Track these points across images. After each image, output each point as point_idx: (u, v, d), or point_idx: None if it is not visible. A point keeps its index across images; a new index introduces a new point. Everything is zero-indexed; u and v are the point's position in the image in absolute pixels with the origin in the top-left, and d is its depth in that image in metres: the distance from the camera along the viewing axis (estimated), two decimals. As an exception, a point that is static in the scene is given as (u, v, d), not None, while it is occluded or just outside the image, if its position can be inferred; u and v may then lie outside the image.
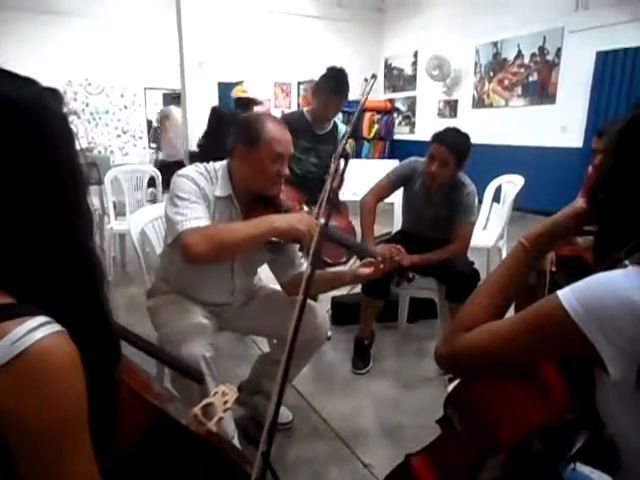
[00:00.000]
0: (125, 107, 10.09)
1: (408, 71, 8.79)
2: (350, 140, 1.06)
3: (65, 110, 0.62)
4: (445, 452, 0.88)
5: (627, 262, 0.68)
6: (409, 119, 8.90)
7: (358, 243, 1.87)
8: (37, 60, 8.25)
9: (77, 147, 0.62)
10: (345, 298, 2.94)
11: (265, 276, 1.94)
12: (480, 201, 3.13)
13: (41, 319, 0.52)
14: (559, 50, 6.25)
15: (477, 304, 0.86)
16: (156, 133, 5.53)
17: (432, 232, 2.43)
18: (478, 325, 0.79)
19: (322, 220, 0.95)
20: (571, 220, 0.86)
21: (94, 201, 3.98)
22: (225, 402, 0.93)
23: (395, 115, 9.06)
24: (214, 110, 4.27)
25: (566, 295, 0.67)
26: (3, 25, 8.35)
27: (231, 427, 1.58)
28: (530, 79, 6.69)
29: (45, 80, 0.60)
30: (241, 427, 1.76)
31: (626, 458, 0.73)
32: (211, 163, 1.63)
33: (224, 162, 1.64)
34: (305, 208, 1.77)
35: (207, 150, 3.77)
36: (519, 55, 6.79)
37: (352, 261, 1.82)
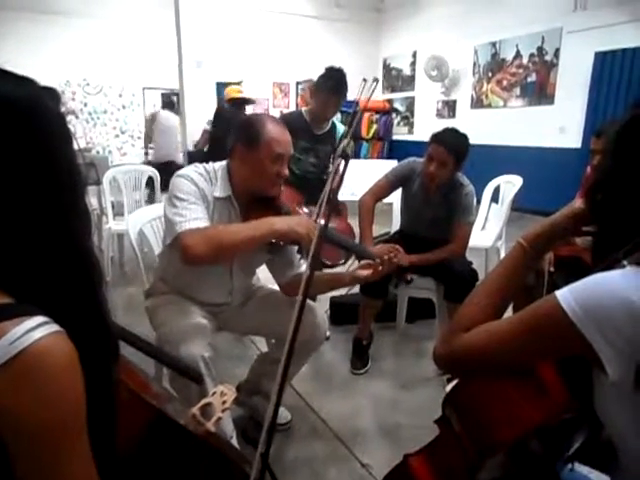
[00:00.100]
0: (123, 107, 10.07)
1: (407, 71, 8.80)
2: (351, 142, 1.06)
3: (63, 110, 0.62)
4: (443, 452, 0.88)
5: (625, 262, 0.69)
6: (408, 119, 8.91)
7: (357, 245, 1.87)
8: (35, 60, 8.24)
9: (75, 147, 0.62)
10: (344, 298, 2.94)
11: (263, 276, 1.94)
12: (478, 201, 3.14)
13: (39, 319, 0.51)
14: (557, 50, 6.27)
15: (475, 304, 0.86)
16: (146, 136, 5.55)
17: (430, 232, 2.43)
18: (476, 325, 0.79)
19: (322, 221, 0.95)
20: (569, 220, 0.86)
21: (92, 201, 3.98)
22: (224, 402, 0.93)
23: (394, 115, 9.07)
24: (219, 112, 4.26)
25: (564, 295, 0.67)
26: (2, 25, 8.33)
27: (230, 427, 1.58)
28: (528, 79, 6.70)
29: (43, 80, 0.60)
30: (240, 427, 1.76)
31: (624, 458, 0.73)
32: (210, 163, 1.63)
33: (224, 163, 1.64)
34: (304, 209, 1.77)
35: (216, 152, 3.71)
36: (517, 55, 6.80)
37: (350, 261, 1.82)
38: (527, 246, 0.86)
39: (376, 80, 1.42)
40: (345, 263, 2.14)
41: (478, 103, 7.52)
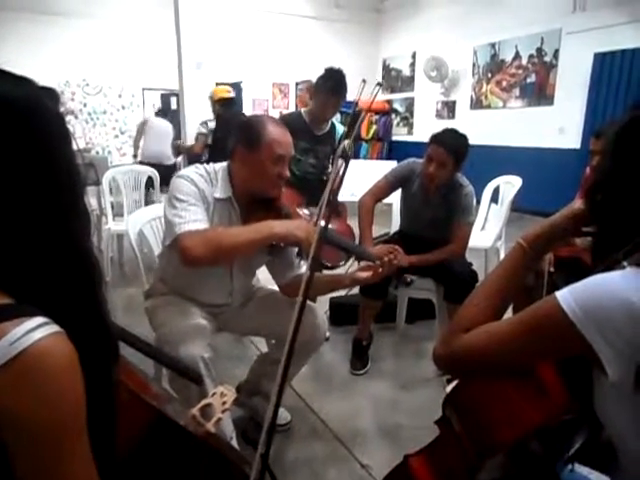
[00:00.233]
0: (123, 107, 10.07)
1: (406, 72, 8.81)
2: (351, 143, 1.07)
3: (62, 110, 0.61)
4: (443, 453, 0.88)
5: (625, 263, 0.69)
6: (407, 120, 8.91)
7: (357, 246, 1.87)
8: (35, 60, 8.24)
9: (74, 147, 0.62)
10: (343, 299, 2.94)
11: (263, 277, 1.94)
12: (478, 202, 3.14)
13: (39, 320, 0.51)
14: (557, 51, 6.28)
15: (475, 305, 0.86)
16: (135, 141, 5.69)
17: (430, 233, 2.43)
18: (476, 326, 0.79)
19: (322, 222, 0.95)
20: (569, 221, 0.86)
21: (92, 202, 3.98)
22: (223, 403, 0.93)
23: (393, 116, 9.08)
24: (218, 114, 4.23)
25: (564, 296, 0.67)
26: (2, 25, 8.34)
27: (229, 428, 1.58)
28: (528, 80, 6.71)
29: (43, 80, 0.60)
30: (239, 428, 1.75)
31: (624, 459, 0.73)
32: (211, 164, 1.63)
33: (224, 164, 1.64)
34: (305, 210, 1.77)
35: (218, 154, 3.69)
36: (517, 56, 6.81)
37: (350, 262, 1.82)
38: (527, 247, 0.86)
39: (379, 84, 1.42)
40: (345, 264, 2.15)
41: (477, 104, 7.52)
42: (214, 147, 4.03)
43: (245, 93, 7.61)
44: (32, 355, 0.49)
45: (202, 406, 0.90)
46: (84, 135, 9.57)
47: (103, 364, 0.62)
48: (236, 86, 7.35)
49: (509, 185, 3.52)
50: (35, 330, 0.50)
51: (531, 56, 6.61)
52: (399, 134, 9.04)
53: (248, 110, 7.64)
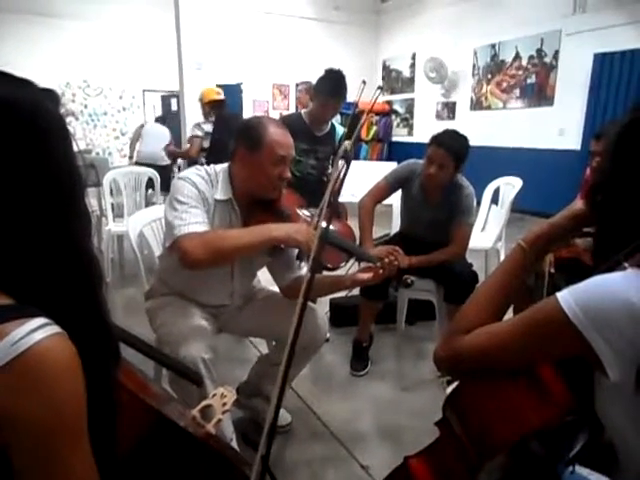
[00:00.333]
0: (124, 109, 10.09)
1: (406, 73, 8.81)
2: (349, 143, 1.07)
3: (62, 111, 0.62)
4: (444, 454, 0.88)
5: (626, 264, 0.69)
6: (407, 121, 8.92)
7: (358, 247, 1.87)
8: (36, 62, 8.27)
9: (75, 148, 0.62)
10: (344, 300, 2.94)
11: (263, 278, 1.94)
12: (478, 203, 3.14)
13: (40, 321, 0.51)
14: (557, 52, 6.28)
15: (476, 306, 0.86)
16: (131, 144, 5.85)
17: (430, 234, 2.43)
18: (477, 327, 0.79)
19: (324, 224, 0.95)
20: (570, 222, 0.86)
21: (92, 203, 3.98)
22: (224, 404, 0.93)
23: (393, 117, 9.08)
24: (220, 117, 4.21)
25: (565, 297, 0.67)
26: (3, 27, 8.36)
27: (229, 429, 1.58)
28: (528, 81, 6.72)
29: (44, 82, 0.60)
30: (239, 429, 1.75)
31: (625, 460, 0.73)
32: (212, 166, 1.63)
33: (225, 165, 1.64)
34: (305, 211, 1.77)
35: (217, 156, 3.65)
36: (517, 57, 6.82)
37: (350, 263, 1.82)
38: (527, 247, 0.86)
39: (380, 88, 1.43)
40: (345, 265, 2.14)
41: (478, 105, 7.53)
42: (211, 149, 4.01)
43: (245, 94, 7.62)
44: (33, 356, 0.49)
45: (202, 407, 0.90)
46: (85, 136, 9.59)
47: (104, 365, 0.62)
48: (236, 87, 7.37)
49: (509, 186, 3.52)
50: (36, 331, 0.50)
51: (531, 57, 6.62)
52: (399, 135, 9.04)
53: (248, 111, 7.65)
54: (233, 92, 7.26)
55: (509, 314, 0.86)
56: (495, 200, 3.66)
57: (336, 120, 2.84)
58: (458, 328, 0.82)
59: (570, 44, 6.10)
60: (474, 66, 7.49)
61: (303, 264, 1.71)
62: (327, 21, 8.38)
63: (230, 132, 3.60)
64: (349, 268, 1.82)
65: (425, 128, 8.03)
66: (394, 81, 9.06)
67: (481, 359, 0.78)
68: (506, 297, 0.87)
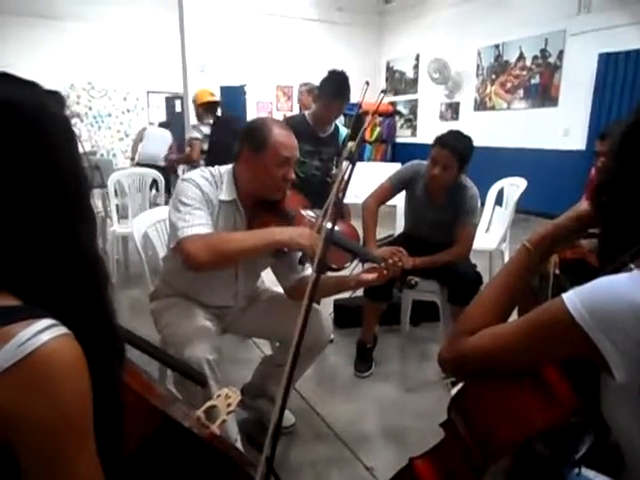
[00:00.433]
0: (128, 110, 10.13)
1: (410, 74, 8.81)
2: (353, 145, 1.08)
3: (67, 113, 0.62)
4: (449, 455, 0.88)
5: (632, 265, 0.68)
6: (411, 122, 8.91)
7: (362, 248, 1.87)
8: (39, 64, 8.31)
9: (80, 150, 0.63)
10: (348, 301, 2.94)
11: (267, 279, 1.94)
12: (482, 204, 3.13)
13: (47, 322, 0.52)
14: (561, 53, 6.26)
15: (480, 307, 0.86)
16: (133, 146, 5.95)
17: (434, 235, 2.43)
18: (481, 329, 0.79)
19: (328, 224, 0.95)
20: (575, 223, 0.85)
21: (97, 204, 4.00)
22: (228, 405, 0.93)
23: (397, 118, 9.08)
24: (219, 119, 4.21)
25: (571, 298, 0.67)
26: (8, 29, 8.41)
27: (234, 430, 1.58)
28: (532, 82, 6.70)
29: (48, 83, 0.60)
30: (244, 430, 1.76)
31: (631, 462, 0.73)
32: (216, 167, 1.64)
33: (229, 166, 1.64)
34: (310, 212, 1.77)
35: (216, 158, 3.62)
36: (521, 58, 6.81)
37: (354, 264, 1.82)
38: (532, 248, 0.86)
39: (383, 92, 1.44)
40: (350, 266, 2.14)
41: (482, 105, 7.51)
42: (211, 152, 4.00)
43: (249, 96, 7.64)
44: (40, 357, 0.50)
45: (207, 408, 0.90)
46: (89, 138, 9.63)
47: (110, 365, 0.62)
48: (240, 89, 7.38)
49: (514, 187, 3.51)
50: (43, 332, 0.50)
51: (535, 57, 6.60)
52: (403, 136, 9.04)
53: (252, 113, 7.67)
54: (236, 94, 7.29)
55: (514, 316, 0.86)
56: (499, 201, 3.65)
57: (340, 121, 2.84)
58: (463, 329, 0.82)
59: (575, 44, 6.08)
60: (478, 67, 7.48)
61: (307, 265, 1.71)
62: (330, 22, 8.39)
63: (232, 134, 3.58)
64: (353, 269, 1.82)
65: (429, 129, 8.03)
66: (397, 82, 9.05)
67: (486, 360, 0.77)
68: (511, 298, 0.86)
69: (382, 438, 1.96)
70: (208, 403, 0.92)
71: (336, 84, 2.54)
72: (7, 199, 0.53)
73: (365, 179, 3.15)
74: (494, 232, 3.47)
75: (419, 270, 2.13)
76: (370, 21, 8.88)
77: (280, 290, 1.85)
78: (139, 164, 5.37)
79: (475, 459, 0.79)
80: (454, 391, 0.85)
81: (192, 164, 4.15)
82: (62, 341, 0.52)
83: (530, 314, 0.73)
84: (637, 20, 5.41)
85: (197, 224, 1.46)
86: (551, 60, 6.40)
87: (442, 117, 8.17)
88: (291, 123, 2.43)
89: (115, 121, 10.04)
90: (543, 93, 6.57)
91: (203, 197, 1.53)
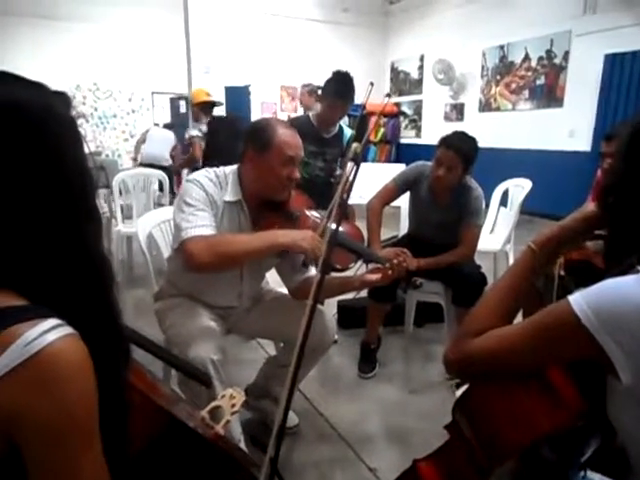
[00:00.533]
0: (133, 111, 10.16)
1: (414, 75, 8.80)
2: (358, 146, 1.09)
3: (74, 114, 0.62)
4: (453, 457, 0.87)
5: (639, 268, 0.68)
6: (415, 123, 8.90)
7: (367, 249, 1.87)
8: (47, 65, 8.35)
9: (86, 150, 0.63)
10: (351, 302, 2.93)
11: (272, 280, 1.94)
12: (487, 205, 3.12)
13: (53, 322, 0.52)
14: (567, 53, 6.24)
15: (485, 309, 0.85)
16: (136, 146, 6.11)
17: (439, 236, 2.42)
18: (487, 330, 0.79)
19: (333, 225, 0.95)
20: (581, 224, 0.85)
21: (102, 204, 4.01)
22: (232, 405, 0.93)
23: (401, 119, 9.07)
24: (219, 118, 4.22)
25: (577, 300, 0.67)
26: (14, 30, 8.46)
27: (238, 431, 1.58)
28: (537, 82, 6.68)
29: (54, 84, 0.61)
30: (247, 431, 1.76)
31: (637, 465, 0.72)
32: (221, 168, 1.64)
33: (234, 167, 1.65)
34: (315, 213, 1.77)
35: (214, 158, 3.63)
36: (526, 58, 6.78)
37: (358, 265, 1.82)
38: (537, 250, 0.86)
39: (388, 96, 1.45)
40: (354, 266, 2.14)
41: (486, 106, 7.50)
42: (209, 152, 4.01)
43: (253, 97, 7.65)
44: (46, 357, 0.50)
45: (211, 408, 0.90)
46: (94, 139, 9.67)
47: (115, 365, 0.62)
48: (244, 90, 7.39)
49: (518, 188, 3.50)
50: (49, 332, 0.51)
51: (540, 58, 6.58)
52: (407, 137, 9.03)
53: (256, 114, 7.68)
54: (241, 94, 7.30)
55: (518, 318, 0.86)
56: (504, 202, 3.64)
57: (344, 122, 2.84)
58: (468, 331, 0.81)
59: (580, 45, 6.05)
60: (483, 67, 7.46)
61: (311, 267, 1.71)
62: (335, 23, 8.40)
63: (227, 133, 3.57)
64: (357, 269, 1.82)
65: (433, 130, 8.01)
66: (402, 83, 9.04)
67: (491, 362, 0.77)
68: (516, 300, 0.86)
69: (385, 439, 1.96)
70: (213, 403, 0.92)
71: (340, 85, 2.54)
72: (14, 199, 0.53)
73: (369, 180, 3.15)
74: (499, 233, 3.46)
75: (423, 271, 2.12)
76: (375, 22, 8.87)
77: (284, 291, 1.85)
78: (142, 164, 5.40)
79: (480, 461, 0.79)
80: (459, 393, 0.85)
81: (194, 164, 4.18)
82: (68, 341, 0.52)
83: (536, 316, 0.73)
84: (643, 21, 5.39)
85: (200, 225, 1.46)
86: (557, 61, 6.38)
87: (447, 118, 8.16)
88: (295, 124, 2.43)
89: (120, 122, 10.07)
90: (548, 94, 6.55)
91: (207, 198, 1.54)
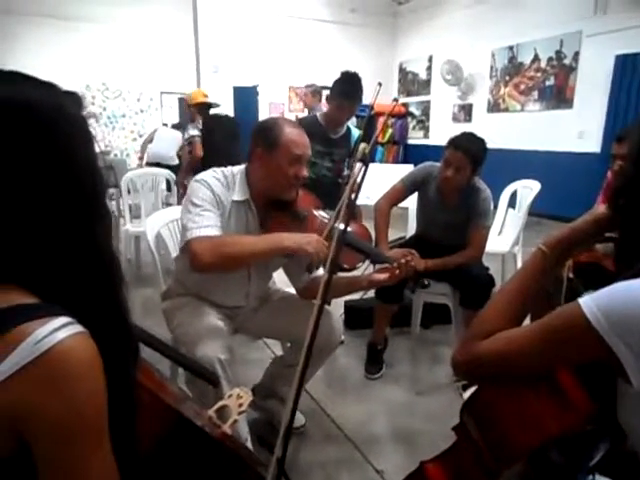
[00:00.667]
0: (141, 111, 10.21)
1: (422, 75, 8.78)
2: (366, 146, 1.09)
3: (85, 113, 0.63)
4: (460, 459, 0.87)
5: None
6: (423, 123, 8.88)
7: (374, 249, 1.87)
8: (57, 64, 8.41)
9: (96, 150, 0.63)
10: (358, 303, 2.93)
11: (279, 279, 1.94)
12: (495, 206, 3.11)
13: (63, 320, 0.52)
14: (577, 54, 6.19)
15: (494, 310, 0.85)
16: (142, 146, 6.16)
17: (446, 237, 2.41)
18: (495, 332, 0.78)
19: (341, 226, 0.95)
20: (592, 226, 0.84)
21: (111, 204, 4.04)
22: (240, 405, 0.93)
23: (409, 119, 9.05)
24: (219, 118, 4.24)
25: (587, 302, 0.66)
26: (24, 30, 8.53)
27: (245, 430, 1.59)
28: (547, 83, 6.63)
29: (64, 84, 0.61)
30: (254, 430, 1.76)
31: (648, 470, 0.71)
32: (229, 168, 1.65)
33: (242, 167, 1.66)
34: (322, 213, 1.77)
35: (212, 159, 3.64)
36: (535, 59, 6.74)
37: (365, 264, 1.81)
38: (548, 252, 0.85)
39: (396, 100, 1.46)
40: (362, 266, 2.14)
41: (495, 107, 7.46)
42: (204, 151, 4.03)
43: (261, 97, 7.67)
44: (56, 355, 0.50)
45: (218, 407, 0.90)
46: (103, 138, 9.73)
47: (124, 364, 0.63)
48: (252, 90, 7.42)
49: (527, 189, 3.48)
50: (59, 330, 0.51)
51: (550, 59, 6.54)
52: (415, 137, 9.01)
53: (264, 114, 7.70)
54: (249, 94, 7.33)
55: (527, 321, 0.85)
56: (512, 204, 3.62)
57: (352, 122, 2.83)
58: (476, 333, 0.81)
59: (591, 46, 6.00)
60: (492, 68, 7.42)
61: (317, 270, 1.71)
62: (343, 23, 8.40)
63: (231, 134, 3.57)
64: (364, 270, 1.82)
65: (441, 131, 7.99)
66: (410, 83, 9.02)
67: (500, 364, 0.77)
68: (525, 302, 0.85)
69: (392, 440, 1.95)
70: (220, 403, 0.92)
71: (348, 85, 2.54)
72: (25, 199, 0.54)
73: (377, 180, 3.15)
74: (507, 235, 3.44)
75: (431, 272, 2.12)
76: (383, 22, 8.86)
77: (291, 291, 1.85)
78: (148, 163, 5.44)
79: (488, 463, 0.78)
80: (467, 395, 0.85)
81: (196, 164, 4.21)
82: (78, 339, 0.53)
83: (545, 318, 0.72)
84: (655, 21, 5.33)
85: (205, 225, 1.47)
86: (566, 62, 6.34)
87: (455, 119, 8.13)
88: (303, 124, 2.43)
89: (129, 121, 10.12)
90: (558, 95, 6.50)
91: (214, 198, 1.54)
